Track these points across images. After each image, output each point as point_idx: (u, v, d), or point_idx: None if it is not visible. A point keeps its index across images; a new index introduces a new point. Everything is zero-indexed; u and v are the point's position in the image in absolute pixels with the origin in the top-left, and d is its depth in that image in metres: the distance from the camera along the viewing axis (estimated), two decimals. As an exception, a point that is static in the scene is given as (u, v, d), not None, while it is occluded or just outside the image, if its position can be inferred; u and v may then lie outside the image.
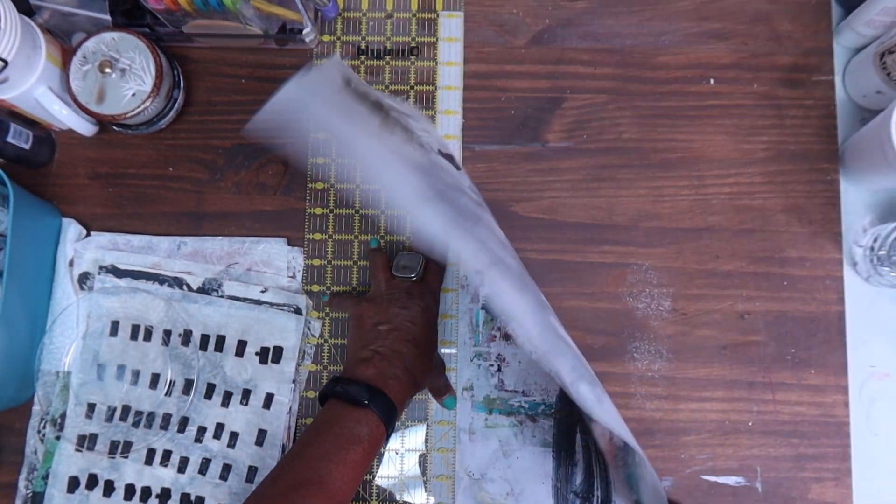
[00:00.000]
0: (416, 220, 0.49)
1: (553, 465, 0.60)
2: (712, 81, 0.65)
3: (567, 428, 0.60)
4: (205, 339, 0.61)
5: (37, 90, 0.58)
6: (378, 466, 0.61)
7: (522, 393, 0.61)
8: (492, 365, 0.61)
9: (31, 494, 0.60)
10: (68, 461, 0.60)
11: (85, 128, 0.62)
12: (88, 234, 0.64)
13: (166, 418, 0.60)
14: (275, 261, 0.63)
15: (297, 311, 0.61)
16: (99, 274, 0.62)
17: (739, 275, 0.62)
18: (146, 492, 0.60)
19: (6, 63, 0.53)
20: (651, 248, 0.63)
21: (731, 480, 0.60)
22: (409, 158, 0.46)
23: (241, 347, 0.61)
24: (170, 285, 0.62)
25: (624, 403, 0.61)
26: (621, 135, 0.64)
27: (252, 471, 0.60)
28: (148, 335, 0.62)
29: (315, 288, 0.63)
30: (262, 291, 0.62)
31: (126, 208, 0.64)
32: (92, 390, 0.61)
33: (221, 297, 0.62)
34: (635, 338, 0.62)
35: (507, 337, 0.61)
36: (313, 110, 0.45)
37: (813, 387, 0.61)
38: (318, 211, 0.64)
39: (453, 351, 0.62)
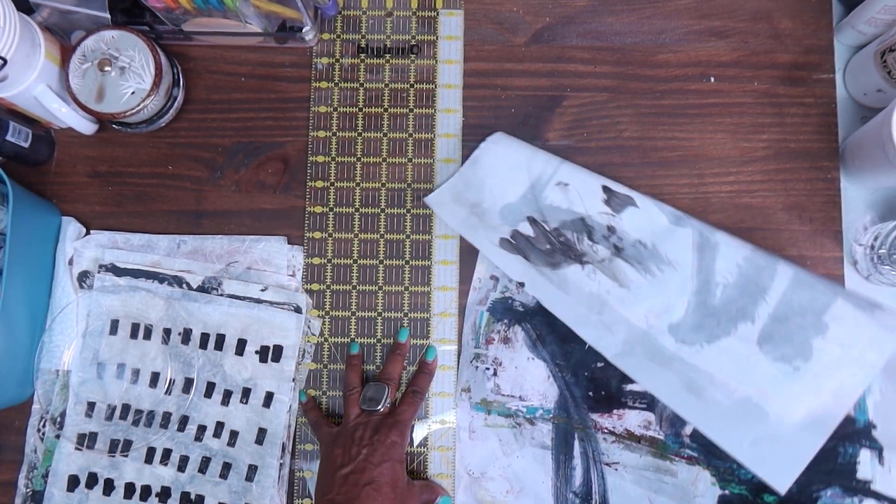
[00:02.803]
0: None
1: (552, 467, 0.59)
2: (713, 79, 0.65)
3: (565, 434, 0.59)
4: (204, 337, 0.61)
5: (36, 88, 0.58)
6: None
7: (519, 398, 0.60)
8: (488, 368, 0.61)
9: (30, 493, 0.60)
10: (68, 460, 0.60)
11: (84, 126, 0.62)
12: (88, 233, 0.64)
13: (166, 417, 0.60)
14: (275, 259, 0.63)
15: (297, 310, 0.61)
16: (99, 272, 0.62)
17: (740, 273, 0.62)
18: (146, 490, 0.60)
19: (5, 61, 0.53)
20: (651, 246, 0.63)
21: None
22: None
23: (240, 346, 0.61)
24: (169, 284, 0.62)
25: (624, 402, 0.61)
26: (621, 133, 0.64)
27: (252, 469, 0.60)
28: (148, 334, 0.61)
29: (315, 287, 0.63)
30: (262, 290, 0.62)
31: (126, 207, 0.64)
32: (92, 389, 0.61)
33: (221, 295, 0.62)
34: (635, 336, 0.62)
35: (506, 340, 0.61)
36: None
37: (813, 385, 0.61)
38: (318, 209, 0.64)
39: (452, 348, 0.62)
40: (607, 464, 0.59)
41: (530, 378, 0.60)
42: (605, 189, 0.60)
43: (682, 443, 0.58)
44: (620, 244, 0.58)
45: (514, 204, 0.61)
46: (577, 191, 0.59)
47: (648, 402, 0.59)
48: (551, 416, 0.60)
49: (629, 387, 0.59)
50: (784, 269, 0.56)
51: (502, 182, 0.61)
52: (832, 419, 0.53)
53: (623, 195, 0.60)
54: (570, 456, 0.59)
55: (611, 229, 0.59)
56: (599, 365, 0.60)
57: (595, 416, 0.59)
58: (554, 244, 0.59)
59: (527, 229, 0.60)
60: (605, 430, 0.59)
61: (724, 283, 0.57)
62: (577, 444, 0.59)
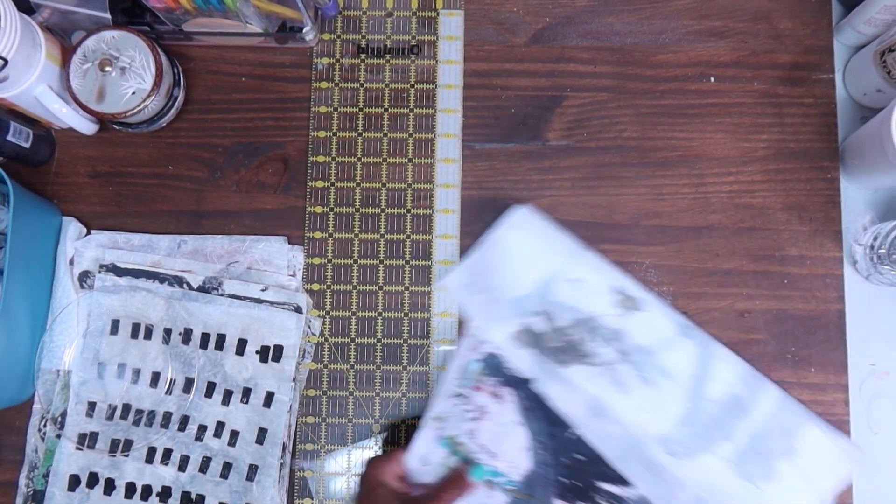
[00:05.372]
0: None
1: None
2: (712, 79, 0.65)
3: None
4: (205, 337, 0.61)
5: (36, 88, 0.58)
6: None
7: (489, 454, 0.57)
8: (470, 411, 0.57)
9: (31, 493, 0.60)
10: (69, 459, 0.60)
11: (85, 126, 0.62)
12: (89, 233, 0.64)
13: (167, 417, 0.60)
14: (275, 259, 0.63)
15: (298, 310, 0.61)
16: (99, 272, 0.62)
17: (739, 273, 0.62)
18: (147, 490, 0.60)
19: (6, 61, 0.53)
20: (651, 246, 0.63)
21: (731, 478, 0.60)
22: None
23: (241, 346, 0.61)
24: (170, 284, 0.62)
25: (624, 402, 0.61)
26: (621, 133, 0.64)
27: (253, 469, 0.60)
28: (148, 333, 0.62)
29: (315, 287, 0.63)
30: (263, 290, 0.62)
31: (126, 207, 0.64)
32: (92, 389, 0.61)
33: (222, 295, 0.62)
34: (635, 336, 0.62)
35: (494, 395, 0.58)
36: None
37: (813, 385, 0.61)
38: (319, 209, 0.64)
39: (453, 348, 0.62)
40: None
41: (510, 441, 0.57)
42: (616, 290, 0.59)
43: None
44: (626, 349, 0.57)
45: (523, 298, 0.59)
46: (588, 289, 0.58)
47: None
48: (513, 487, 0.56)
49: (604, 485, 0.56)
50: (771, 391, 0.57)
51: (514, 274, 0.59)
52: None
53: (633, 298, 0.58)
54: None
55: (616, 333, 0.58)
56: (580, 457, 0.57)
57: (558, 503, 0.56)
58: (563, 343, 0.58)
59: (538, 325, 0.58)
60: None
61: (714, 401, 0.57)
62: None
